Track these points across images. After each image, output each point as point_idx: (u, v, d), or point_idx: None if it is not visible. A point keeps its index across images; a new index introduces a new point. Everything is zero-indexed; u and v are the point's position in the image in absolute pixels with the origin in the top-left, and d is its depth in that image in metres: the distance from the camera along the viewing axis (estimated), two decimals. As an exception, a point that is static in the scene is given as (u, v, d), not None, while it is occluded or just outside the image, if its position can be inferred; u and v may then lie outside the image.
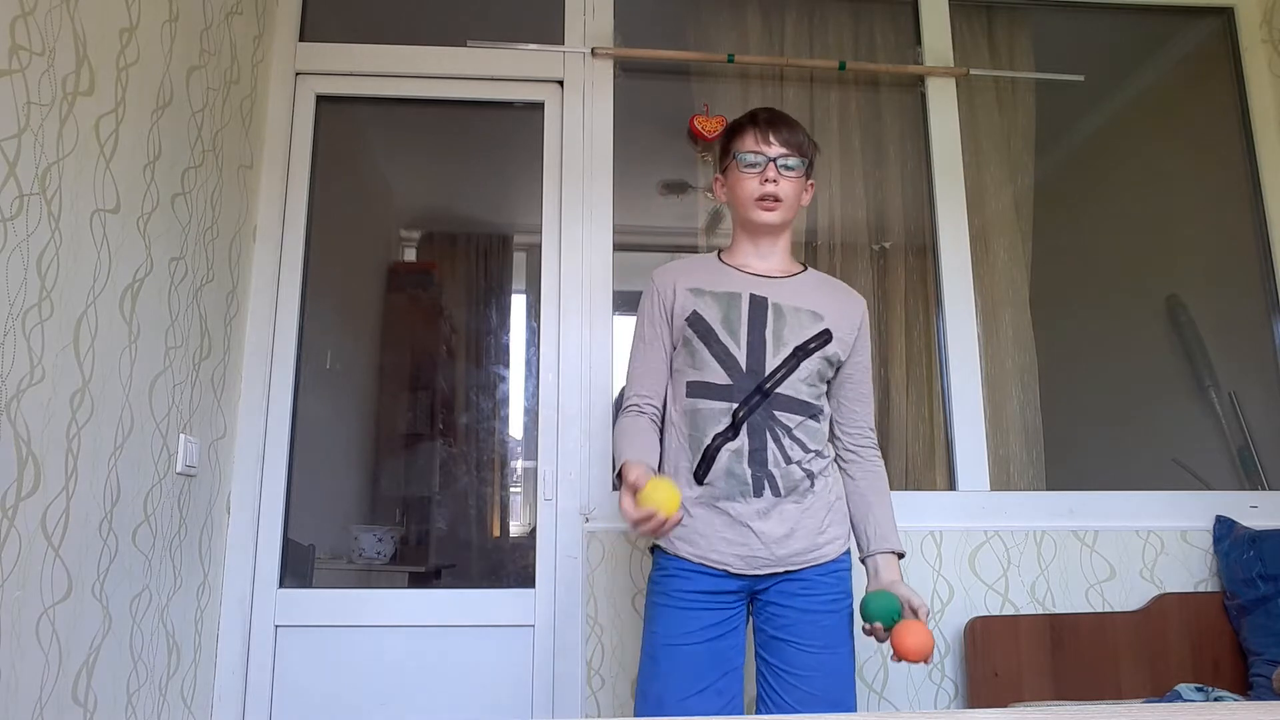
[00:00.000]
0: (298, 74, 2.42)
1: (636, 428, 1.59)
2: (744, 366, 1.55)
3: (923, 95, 2.60)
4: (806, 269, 1.68)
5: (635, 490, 1.39)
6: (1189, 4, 2.76)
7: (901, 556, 1.59)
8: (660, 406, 1.63)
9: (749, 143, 1.60)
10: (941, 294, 2.47)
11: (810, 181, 1.68)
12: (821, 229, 2.59)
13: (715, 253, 1.70)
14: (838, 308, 1.63)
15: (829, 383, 1.64)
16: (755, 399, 1.54)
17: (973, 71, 2.62)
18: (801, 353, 1.56)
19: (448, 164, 3.12)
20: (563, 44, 2.48)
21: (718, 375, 1.55)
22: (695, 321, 1.58)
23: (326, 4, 2.51)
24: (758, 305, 1.58)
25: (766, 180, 1.57)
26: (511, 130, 2.64)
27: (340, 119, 2.52)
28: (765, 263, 1.64)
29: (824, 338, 1.58)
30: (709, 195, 1.76)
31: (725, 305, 1.58)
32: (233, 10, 2.11)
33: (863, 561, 1.60)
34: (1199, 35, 2.81)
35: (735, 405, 1.53)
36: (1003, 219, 2.62)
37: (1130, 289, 3.02)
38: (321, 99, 2.44)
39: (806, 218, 2.59)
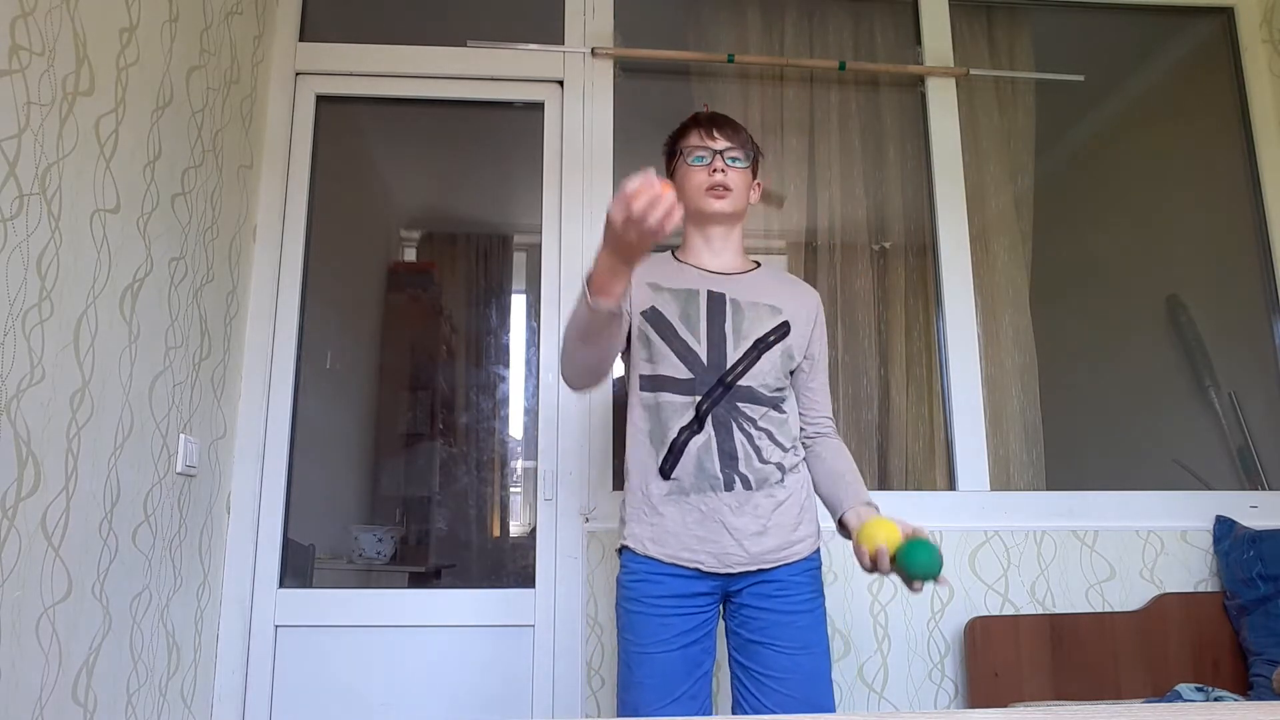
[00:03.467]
0: (298, 74, 2.42)
1: None
2: (705, 361, 1.56)
3: (923, 95, 2.60)
4: (760, 265, 1.70)
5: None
6: (1189, 4, 2.76)
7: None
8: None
9: (694, 139, 1.65)
10: (941, 294, 2.47)
11: (757, 181, 1.71)
12: (821, 229, 2.59)
13: (669, 251, 1.71)
14: (794, 301, 1.65)
15: (791, 375, 1.65)
16: (718, 391, 1.55)
17: (973, 71, 2.62)
18: (762, 345, 1.58)
19: (448, 164, 3.12)
20: (563, 44, 2.48)
21: (677, 370, 1.56)
22: (653, 317, 1.59)
23: (326, 4, 2.51)
24: (715, 301, 1.60)
25: (715, 170, 1.61)
26: (511, 130, 2.65)
27: (340, 119, 2.52)
28: (719, 259, 1.65)
29: (783, 330, 1.61)
30: None
31: (683, 301, 1.60)
32: (233, 10, 2.11)
33: (840, 522, 1.55)
34: (1199, 35, 2.82)
35: (698, 399, 1.54)
36: (1003, 219, 2.62)
37: (1130, 289, 3.02)
38: (321, 99, 2.44)
39: (806, 218, 2.59)
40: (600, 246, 1.32)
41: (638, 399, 1.59)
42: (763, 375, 1.57)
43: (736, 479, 1.52)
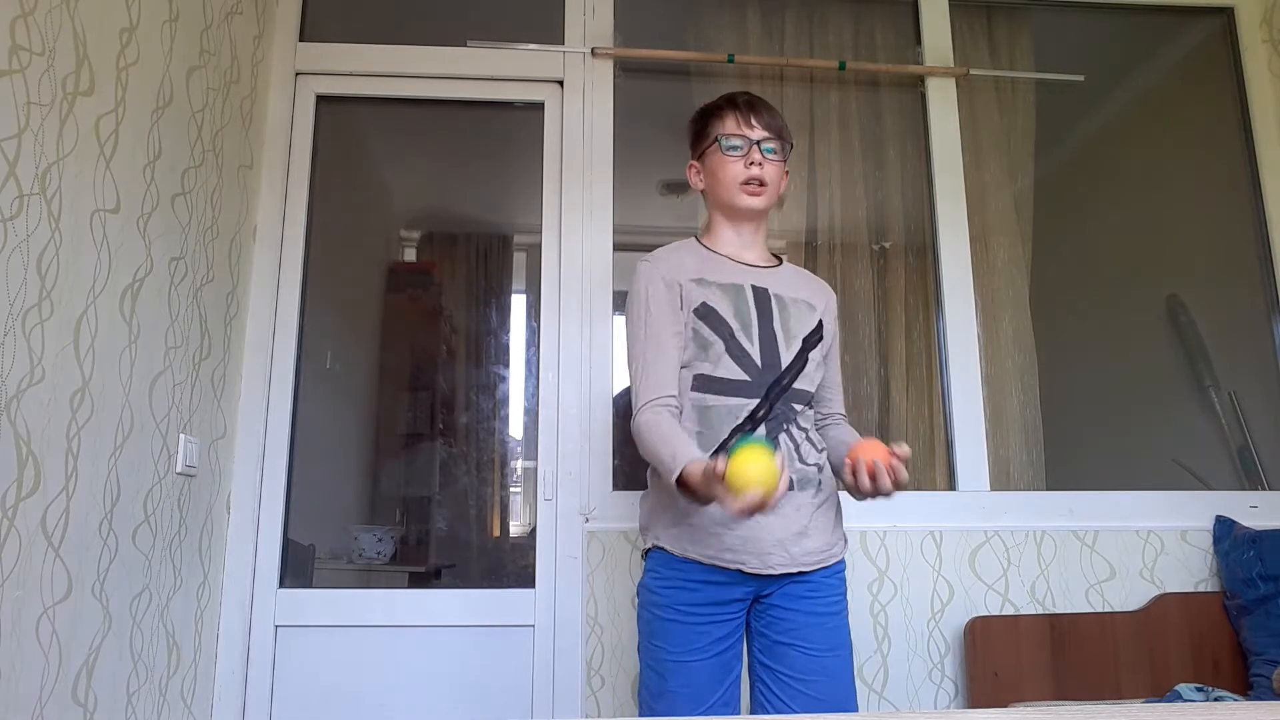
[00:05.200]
0: (298, 74, 2.42)
1: (672, 427, 1.44)
2: (759, 362, 1.50)
3: (923, 95, 2.60)
4: (783, 260, 1.66)
5: (720, 477, 1.23)
6: (1189, 4, 2.76)
7: None
8: (679, 404, 1.51)
9: (730, 125, 1.55)
10: (941, 294, 2.47)
11: (786, 170, 1.63)
12: (821, 229, 2.59)
13: (694, 239, 1.64)
14: (821, 297, 1.63)
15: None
16: (774, 392, 1.50)
17: (973, 71, 2.62)
18: (808, 344, 1.55)
19: (448, 164, 3.12)
20: (563, 44, 2.48)
21: (734, 371, 1.49)
22: (706, 314, 1.51)
23: (326, 4, 2.50)
24: (761, 296, 1.54)
25: (751, 163, 1.53)
26: (511, 130, 2.65)
27: (340, 119, 2.52)
28: (751, 252, 1.60)
29: (820, 329, 1.59)
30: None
31: (734, 297, 1.52)
32: (233, 10, 2.11)
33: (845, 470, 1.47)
34: (1199, 35, 2.82)
35: (756, 402, 1.49)
36: (1003, 219, 2.62)
37: (1130, 289, 3.02)
38: (321, 99, 2.44)
39: (806, 218, 2.59)
40: (705, 488, 1.29)
41: (688, 399, 1.51)
42: (810, 378, 1.54)
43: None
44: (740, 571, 1.47)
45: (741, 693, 1.55)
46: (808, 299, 1.59)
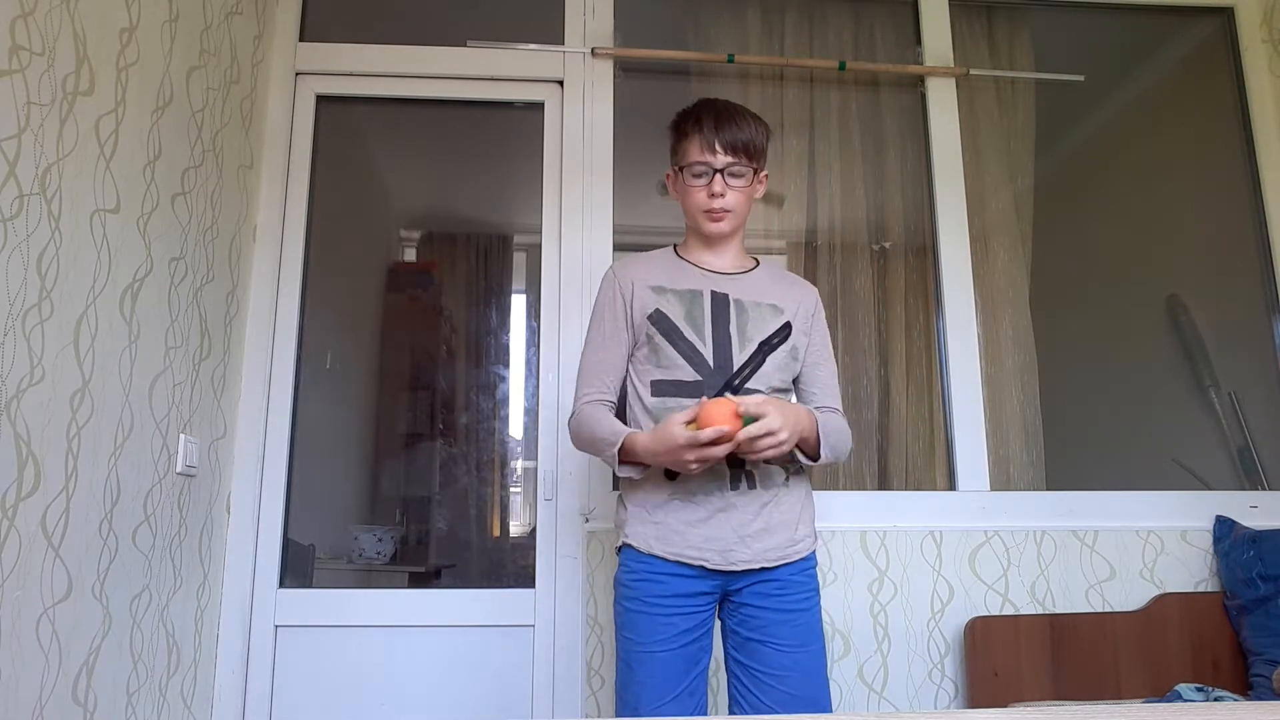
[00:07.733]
0: (298, 74, 2.42)
1: (607, 414, 1.58)
2: (711, 363, 1.55)
3: (923, 95, 2.60)
4: (759, 263, 1.69)
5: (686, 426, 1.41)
6: (1189, 4, 2.76)
7: (815, 458, 1.57)
8: (617, 404, 1.62)
9: (695, 151, 1.58)
10: (941, 294, 2.47)
11: (764, 174, 1.65)
12: (821, 229, 2.59)
13: (671, 247, 1.71)
14: (794, 299, 1.65)
15: (796, 377, 1.65)
16: (726, 393, 1.54)
17: (973, 71, 2.62)
18: (766, 348, 1.58)
19: (448, 164, 3.12)
20: (563, 44, 2.48)
21: (685, 372, 1.55)
22: (659, 319, 1.58)
23: (326, 4, 2.50)
24: (719, 301, 1.59)
25: (714, 194, 1.57)
26: (511, 130, 2.64)
27: (340, 119, 2.52)
28: (721, 259, 1.65)
29: (785, 331, 1.60)
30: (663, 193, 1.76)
31: (688, 302, 1.59)
32: (233, 10, 2.11)
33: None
34: (1199, 35, 2.82)
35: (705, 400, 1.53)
36: (1003, 219, 2.62)
37: (1130, 289, 3.02)
38: (321, 99, 2.44)
39: (806, 218, 2.59)
40: (658, 453, 1.45)
41: (644, 404, 1.59)
42: (768, 378, 1.57)
43: (743, 477, 1.53)
44: (704, 568, 1.52)
45: (711, 686, 1.57)
46: (775, 303, 1.62)
